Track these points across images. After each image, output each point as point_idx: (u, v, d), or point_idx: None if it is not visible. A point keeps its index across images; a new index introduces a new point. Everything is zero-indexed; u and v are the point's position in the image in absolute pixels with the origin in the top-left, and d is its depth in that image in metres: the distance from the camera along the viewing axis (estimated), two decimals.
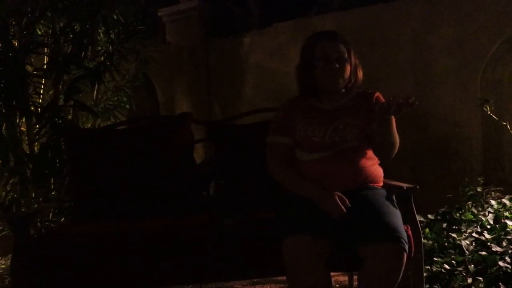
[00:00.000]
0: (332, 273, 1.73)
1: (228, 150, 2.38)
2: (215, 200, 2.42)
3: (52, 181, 2.80)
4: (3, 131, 2.63)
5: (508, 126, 2.83)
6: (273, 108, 2.52)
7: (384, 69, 3.47)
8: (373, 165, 1.88)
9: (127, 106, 3.49)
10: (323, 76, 1.87)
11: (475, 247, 2.23)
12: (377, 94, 1.94)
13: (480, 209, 2.55)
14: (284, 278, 2.43)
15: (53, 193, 2.84)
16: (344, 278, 2.58)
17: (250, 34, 4.46)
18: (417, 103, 1.66)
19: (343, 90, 1.93)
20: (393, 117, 1.75)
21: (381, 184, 1.91)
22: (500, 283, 2.05)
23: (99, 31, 3.05)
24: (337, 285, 2.53)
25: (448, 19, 3.19)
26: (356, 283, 2.52)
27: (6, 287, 2.83)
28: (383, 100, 1.90)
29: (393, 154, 1.85)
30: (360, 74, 1.92)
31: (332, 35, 1.90)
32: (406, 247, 1.63)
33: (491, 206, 2.57)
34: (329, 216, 1.71)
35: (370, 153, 1.87)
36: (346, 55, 1.87)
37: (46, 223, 2.88)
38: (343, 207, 1.70)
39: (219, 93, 4.69)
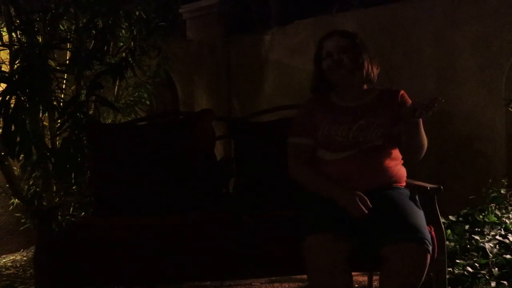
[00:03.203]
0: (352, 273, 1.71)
1: (249, 147, 2.38)
2: (235, 197, 2.42)
3: (73, 176, 2.82)
4: (26, 125, 2.66)
5: None
6: (294, 105, 2.51)
7: (405, 67, 3.43)
8: (397, 165, 1.86)
9: (148, 102, 3.51)
10: (329, 72, 1.88)
11: (499, 250, 2.19)
12: (402, 92, 1.91)
13: (504, 211, 2.50)
14: (302, 276, 2.43)
15: (74, 187, 2.87)
16: (363, 278, 2.56)
17: (271, 32, 4.44)
18: (443, 100, 1.64)
19: (365, 87, 1.91)
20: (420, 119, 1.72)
21: (404, 184, 1.89)
22: None
23: (122, 27, 3.07)
24: (357, 285, 2.51)
25: (472, 16, 3.13)
26: (376, 283, 2.50)
27: (28, 278, 2.88)
28: (408, 98, 1.89)
29: (421, 155, 1.83)
30: (371, 67, 1.88)
31: (334, 32, 1.91)
32: (430, 248, 1.61)
33: None
34: (350, 215, 1.69)
35: (394, 152, 1.85)
36: (348, 46, 1.85)
37: (67, 217, 2.92)
38: (363, 207, 1.68)
39: (239, 90, 4.69)
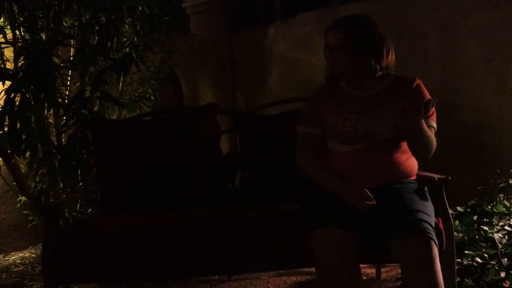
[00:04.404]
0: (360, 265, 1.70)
1: (254, 141, 2.37)
2: (241, 191, 2.41)
3: (79, 172, 2.83)
4: (32, 123, 2.66)
5: None
6: (299, 98, 2.50)
7: (411, 58, 3.40)
8: (408, 159, 1.80)
9: (152, 98, 3.51)
10: (331, 67, 1.83)
11: (508, 240, 2.17)
12: (418, 81, 1.80)
13: None
14: (310, 269, 2.43)
15: (80, 184, 2.87)
16: (371, 270, 2.55)
17: (274, 25, 4.42)
18: (436, 101, 1.59)
19: (380, 73, 1.81)
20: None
21: (414, 177, 1.85)
22: None
23: (125, 22, 3.06)
24: (365, 277, 2.50)
25: (478, 6, 3.10)
26: (384, 275, 2.50)
27: (37, 275, 2.89)
28: (423, 88, 1.80)
29: (428, 155, 1.74)
30: (380, 56, 1.79)
31: (334, 24, 1.82)
32: (433, 234, 1.58)
33: None
34: (356, 209, 1.68)
35: (405, 145, 1.77)
36: (347, 40, 1.76)
37: (74, 213, 2.93)
38: (368, 202, 1.65)
39: (243, 85, 4.67)
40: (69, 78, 3.06)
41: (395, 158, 1.77)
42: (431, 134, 1.73)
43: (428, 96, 1.78)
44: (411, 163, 1.82)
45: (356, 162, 1.75)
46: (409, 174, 1.82)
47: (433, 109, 1.75)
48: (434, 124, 1.78)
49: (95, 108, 2.90)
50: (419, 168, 1.93)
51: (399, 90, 1.80)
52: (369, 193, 1.68)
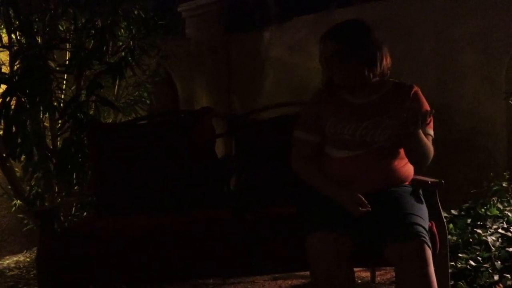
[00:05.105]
0: (354, 269, 1.70)
1: (249, 144, 2.38)
2: (236, 194, 2.42)
3: (74, 176, 2.83)
4: (27, 126, 2.66)
5: None
6: (294, 102, 2.51)
7: (406, 62, 3.42)
8: (404, 166, 1.81)
9: (148, 101, 3.52)
10: (328, 74, 1.81)
11: (501, 243, 2.19)
12: (415, 89, 1.79)
13: (505, 204, 2.49)
14: (305, 273, 2.43)
15: (75, 187, 2.87)
16: (366, 274, 2.56)
17: (270, 29, 4.44)
18: (433, 111, 1.61)
19: (376, 79, 1.79)
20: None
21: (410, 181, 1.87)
22: None
23: (120, 26, 3.07)
24: (359, 281, 2.51)
25: (472, 11, 3.13)
26: (379, 278, 2.51)
27: (31, 279, 2.88)
28: (421, 96, 1.80)
29: (425, 163, 1.75)
30: (377, 65, 1.77)
31: (329, 34, 1.79)
32: (427, 237, 1.59)
33: None
34: (351, 214, 1.68)
35: (402, 152, 1.78)
36: (345, 50, 1.74)
37: (69, 217, 2.92)
38: (362, 209, 1.66)
39: (239, 88, 4.69)
40: (64, 81, 3.06)
41: (392, 164, 1.77)
42: (429, 142, 1.74)
43: (426, 104, 1.79)
44: (407, 169, 1.83)
45: (353, 167, 1.76)
46: (405, 180, 1.83)
47: (430, 118, 1.75)
48: (431, 132, 1.79)
49: (91, 112, 2.90)
50: (414, 171, 1.94)
51: (396, 97, 1.79)
52: (363, 199, 1.68)
